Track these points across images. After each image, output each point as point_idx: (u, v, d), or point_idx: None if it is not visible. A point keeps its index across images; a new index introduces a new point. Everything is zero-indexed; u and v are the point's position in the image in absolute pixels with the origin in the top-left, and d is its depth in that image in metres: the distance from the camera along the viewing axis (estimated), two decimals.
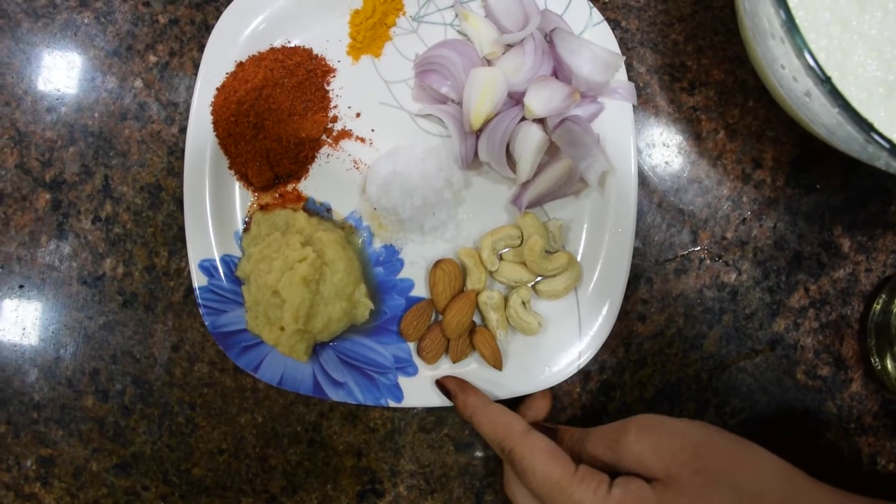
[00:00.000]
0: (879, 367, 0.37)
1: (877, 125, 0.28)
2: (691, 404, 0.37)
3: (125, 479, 0.36)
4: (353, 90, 0.36)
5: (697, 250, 0.37)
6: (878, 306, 0.37)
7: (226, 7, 0.35)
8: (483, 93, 0.34)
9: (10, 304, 0.36)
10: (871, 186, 0.38)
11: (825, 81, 0.26)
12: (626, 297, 0.37)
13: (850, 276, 0.38)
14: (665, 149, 0.37)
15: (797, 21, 0.27)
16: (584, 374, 0.37)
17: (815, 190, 0.38)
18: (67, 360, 0.36)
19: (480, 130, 0.34)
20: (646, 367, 0.37)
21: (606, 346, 0.36)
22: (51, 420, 0.36)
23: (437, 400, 0.34)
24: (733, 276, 0.38)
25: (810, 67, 0.26)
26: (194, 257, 0.34)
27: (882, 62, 0.32)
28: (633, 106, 0.36)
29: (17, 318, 0.36)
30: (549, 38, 0.34)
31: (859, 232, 0.38)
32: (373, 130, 0.36)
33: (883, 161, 0.29)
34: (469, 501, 0.36)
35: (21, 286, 0.36)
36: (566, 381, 0.36)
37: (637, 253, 0.37)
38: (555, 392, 0.36)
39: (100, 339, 0.36)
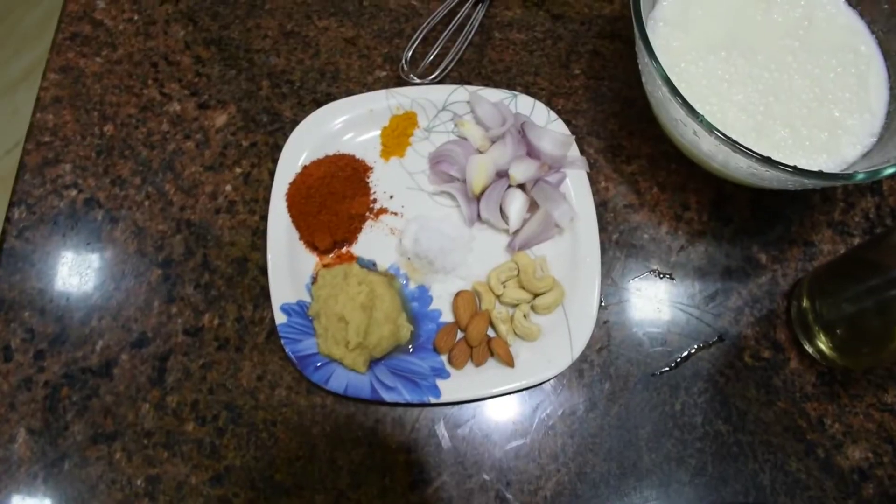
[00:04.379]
0: (810, 349, 0.57)
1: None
2: (665, 391, 0.56)
3: (219, 489, 0.52)
4: (387, 180, 0.59)
5: (650, 273, 0.59)
6: (795, 303, 0.58)
7: (290, 132, 0.59)
8: (479, 171, 0.57)
9: (128, 352, 0.55)
10: (773, 214, 0.61)
11: (716, 132, 0.49)
12: (603, 310, 0.57)
13: (771, 280, 0.59)
14: (615, 203, 0.60)
15: (687, 100, 0.51)
16: (578, 370, 0.56)
17: (732, 221, 0.60)
18: (173, 394, 0.54)
19: (480, 197, 0.57)
20: (625, 363, 0.56)
21: (592, 349, 0.56)
22: (158, 444, 0.53)
23: (469, 395, 0.53)
24: (681, 289, 0.58)
25: (709, 129, 0.49)
26: (276, 302, 0.55)
27: (749, 117, 0.56)
28: (587, 173, 0.59)
29: (134, 363, 0.55)
30: (521, 131, 0.59)
31: (772, 248, 0.60)
32: (402, 206, 0.58)
33: (765, 175, 0.51)
34: (500, 483, 0.53)
35: (137, 339, 0.55)
36: (568, 375, 0.55)
37: (604, 277, 0.58)
38: (560, 385, 0.55)
39: (199, 376, 0.55)
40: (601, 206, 0.60)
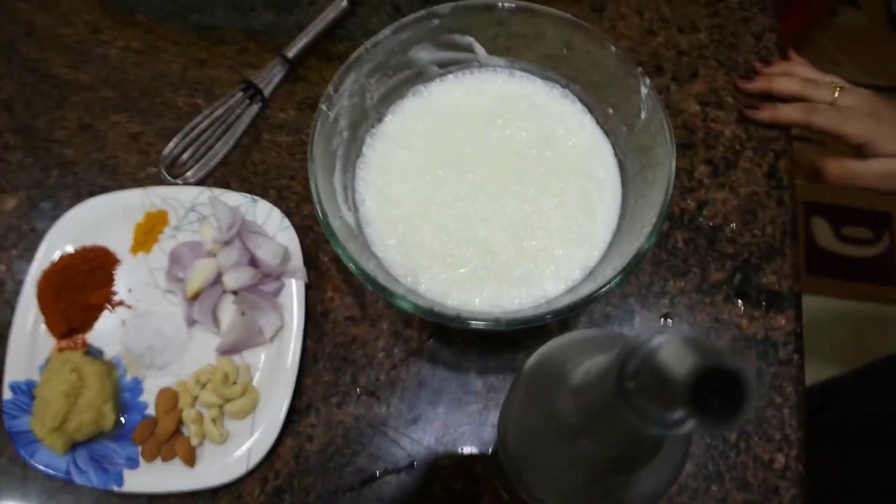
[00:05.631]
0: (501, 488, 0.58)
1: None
2: None
3: None
4: (130, 274, 0.66)
5: (357, 389, 0.61)
6: (496, 436, 0.59)
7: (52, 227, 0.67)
8: (197, 274, 0.62)
9: None
10: (502, 337, 0.62)
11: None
12: (300, 421, 0.61)
13: (483, 410, 0.60)
14: (337, 314, 0.64)
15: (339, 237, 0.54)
16: (263, 478, 0.60)
17: (453, 343, 0.62)
18: None
19: (198, 299, 0.63)
20: (310, 477, 0.59)
21: (281, 459, 0.60)
22: None
23: (151, 488, 0.59)
24: (383, 408, 0.61)
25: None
26: (7, 378, 0.63)
27: (448, 241, 0.58)
28: (307, 283, 0.63)
29: None
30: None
31: (491, 375, 0.61)
32: (138, 301, 0.65)
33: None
34: None
35: None
36: (251, 482, 0.59)
37: (308, 388, 0.61)
38: (240, 491, 0.60)
39: None
40: (322, 315, 0.63)
